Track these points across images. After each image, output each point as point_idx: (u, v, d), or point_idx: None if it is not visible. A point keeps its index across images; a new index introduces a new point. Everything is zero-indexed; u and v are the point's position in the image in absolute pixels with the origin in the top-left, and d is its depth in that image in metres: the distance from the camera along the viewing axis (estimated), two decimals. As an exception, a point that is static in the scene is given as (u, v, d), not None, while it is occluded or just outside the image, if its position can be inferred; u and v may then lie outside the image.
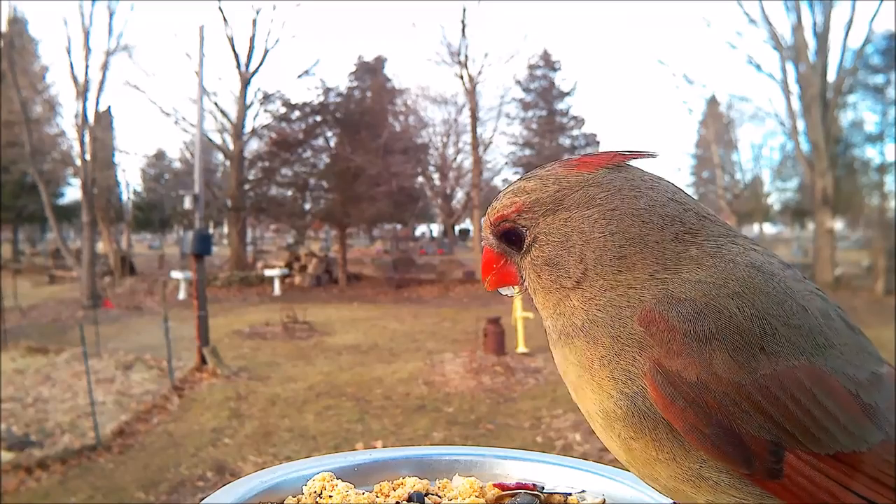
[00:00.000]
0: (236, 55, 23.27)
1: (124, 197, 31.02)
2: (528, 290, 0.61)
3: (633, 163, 0.61)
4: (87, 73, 19.86)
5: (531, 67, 35.75)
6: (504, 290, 0.65)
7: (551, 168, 0.61)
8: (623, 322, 0.53)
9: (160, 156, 35.23)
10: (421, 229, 40.23)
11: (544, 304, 0.59)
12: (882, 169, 23.58)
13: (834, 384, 0.51)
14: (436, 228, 41.21)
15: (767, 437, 0.49)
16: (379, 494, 0.71)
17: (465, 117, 25.30)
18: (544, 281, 0.58)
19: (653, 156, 0.61)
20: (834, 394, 0.51)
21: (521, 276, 0.62)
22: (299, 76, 24.19)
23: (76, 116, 20.35)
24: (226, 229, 28.63)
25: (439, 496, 0.72)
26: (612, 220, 0.56)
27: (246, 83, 23.31)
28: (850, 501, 0.49)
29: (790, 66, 20.66)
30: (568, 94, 37.04)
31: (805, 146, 20.83)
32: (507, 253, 0.62)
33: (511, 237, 0.61)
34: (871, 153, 25.69)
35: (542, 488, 0.73)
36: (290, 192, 24.38)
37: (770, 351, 0.50)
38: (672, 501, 0.57)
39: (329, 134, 23.71)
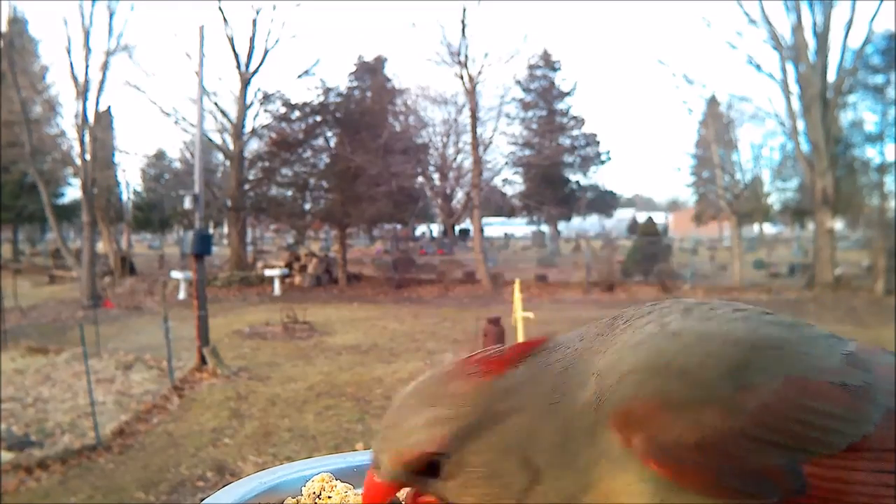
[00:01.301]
0: (236, 55, 23.30)
1: (124, 197, 31.01)
2: None
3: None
4: (87, 73, 19.87)
5: (531, 67, 35.80)
6: None
7: (454, 382, 0.54)
8: (605, 445, 0.50)
9: (160, 156, 35.23)
10: (421, 229, 40.22)
11: None
12: (882, 169, 23.59)
13: (818, 386, 0.51)
14: (436, 228, 41.22)
15: (780, 461, 0.49)
16: (379, 495, 0.71)
17: (465, 117, 25.30)
18: (491, 494, 0.52)
19: (546, 346, 0.56)
20: (822, 395, 0.51)
21: (447, 497, 0.54)
22: (299, 76, 24.21)
23: (76, 116, 20.36)
24: (226, 229, 28.63)
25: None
26: (547, 408, 0.52)
27: (246, 83, 23.32)
28: (875, 482, 0.49)
29: (790, 66, 20.68)
30: (568, 94, 37.07)
31: (805, 146, 20.84)
32: (419, 483, 0.55)
33: (426, 470, 0.53)
34: (871, 153, 25.69)
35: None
36: (290, 192, 24.38)
37: (745, 385, 0.50)
38: None
39: (329, 134, 23.71)
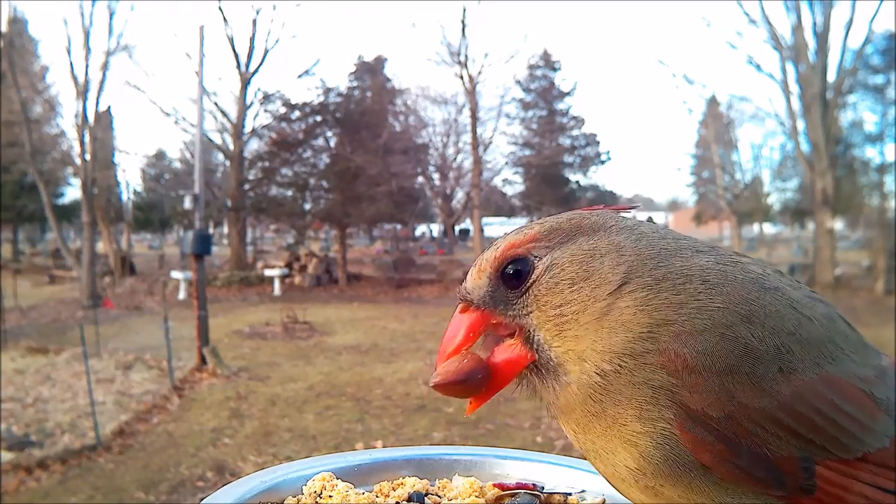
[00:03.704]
0: (236, 55, 23.30)
1: (124, 197, 31.00)
2: (543, 335, 0.54)
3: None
4: (87, 73, 19.89)
5: (531, 67, 35.75)
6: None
7: (545, 218, 0.58)
8: (647, 365, 0.51)
9: (160, 156, 35.23)
10: (421, 229, 40.21)
11: (577, 336, 0.53)
12: (882, 169, 23.60)
13: (849, 388, 0.51)
14: (436, 228, 41.21)
15: (797, 454, 0.49)
16: (379, 494, 0.71)
17: (465, 117, 25.30)
18: (571, 306, 0.52)
19: (636, 207, 0.61)
20: (852, 397, 0.51)
21: (527, 333, 0.55)
22: (299, 76, 24.22)
23: (76, 116, 20.36)
24: (226, 229, 28.63)
25: (439, 496, 0.72)
26: (628, 246, 0.54)
27: (246, 83, 23.32)
28: (883, 500, 0.50)
29: (790, 66, 20.68)
30: (568, 94, 37.03)
31: (805, 146, 20.84)
32: (500, 304, 0.56)
33: (516, 273, 0.55)
34: (871, 153, 25.74)
35: (542, 488, 0.73)
36: (290, 192, 24.38)
37: (787, 369, 0.50)
38: None
39: (329, 134, 23.71)
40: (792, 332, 0.51)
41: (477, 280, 0.56)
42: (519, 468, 0.79)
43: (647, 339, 0.51)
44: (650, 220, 0.61)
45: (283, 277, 21.02)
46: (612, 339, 0.51)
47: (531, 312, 0.54)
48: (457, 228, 37.20)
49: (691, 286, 0.52)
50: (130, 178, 39.72)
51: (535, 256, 0.55)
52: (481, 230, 24.82)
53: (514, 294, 0.55)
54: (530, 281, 0.54)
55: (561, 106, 37.30)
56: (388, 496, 0.71)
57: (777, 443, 0.48)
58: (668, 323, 0.51)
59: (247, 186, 24.04)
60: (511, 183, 35.65)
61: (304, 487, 0.70)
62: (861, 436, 0.50)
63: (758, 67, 21.52)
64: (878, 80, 23.09)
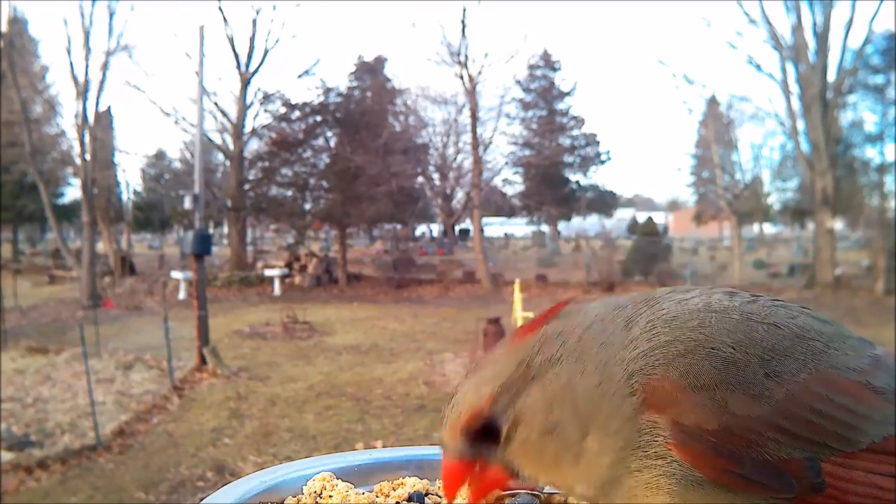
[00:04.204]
0: (236, 55, 23.30)
1: (124, 197, 30.99)
2: (531, 476, 0.56)
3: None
4: (87, 73, 19.87)
5: (531, 67, 35.78)
6: None
7: (491, 355, 0.58)
8: (638, 421, 0.51)
9: (160, 156, 35.23)
10: (421, 229, 40.23)
11: (563, 474, 0.55)
12: (882, 169, 23.59)
13: (844, 382, 0.52)
14: (436, 228, 41.22)
15: (801, 455, 0.49)
16: (379, 494, 0.71)
17: (465, 117, 25.30)
18: (546, 455, 0.54)
19: (569, 310, 0.60)
20: (847, 391, 0.51)
21: (510, 470, 0.56)
22: (299, 76, 24.21)
23: (76, 116, 20.35)
24: (226, 229, 28.64)
25: (439, 496, 0.72)
26: (581, 358, 0.54)
27: (246, 83, 23.32)
28: (892, 486, 0.50)
29: (790, 66, 20.67)
30: (568, 94, 37.06)
31: (805, 146, 20.83)
32: (482, 454, 0.57)
33: (486, 433, 0.56)
34: (871, 153, 25.70)
35: (543, 488, 0.73)
36: (290, 192, 24.38)
37: (775, 373, 0.50)
38: None
39: (329, 134, 23.71)
40: (772, 343, 0.52)
41: (451, 439, 0.58)
42: (519, 468, 0.78)
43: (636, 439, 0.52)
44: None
45: (283, 277, 21.03)
46: (591, 470, 0.53)
47: (511, 459, 0.56)
48: (457, 228, 37.21)
49: (648, 357, 0.53)
50: (130, 178, 39.69)
51: (499, 417, 0.55)
52: (481, 230, 24.83)
53: (489, 447, 0.57)
54: (503, 437, 0.56)
55: (561, 106, 37.31)
56: (388, 496, 0.71)
57: (778, 447, 0.49)
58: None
59: (247, 186, 24.04)
60: (511, 183, 35.69)
61: (304, 487, 0.70)
62: (863, 427, 0.50)
63: (758, 67, 21.52)
64: (878, 80, 23.11)
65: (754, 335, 0.52)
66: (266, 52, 23.38)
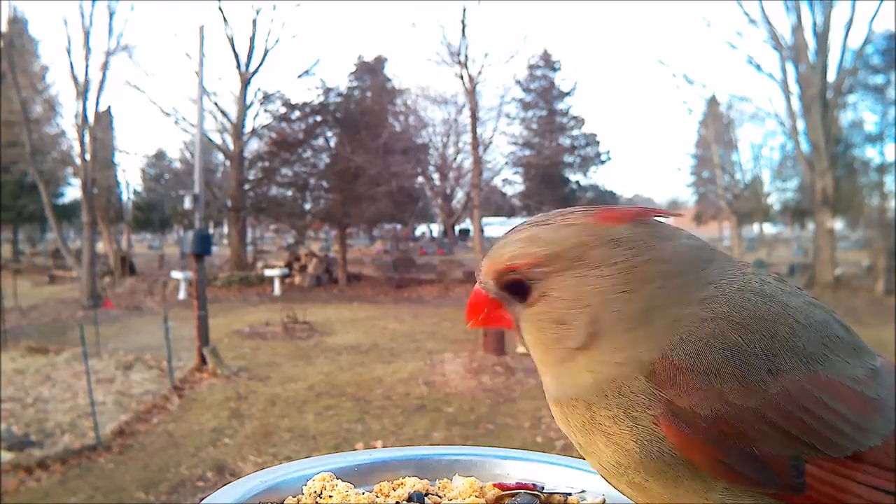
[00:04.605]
0: (236, 55, 23.29)
1: (124, 197, 31.00)
2: (524, 341, 0.59)
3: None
4: (87, 73, 19.88)
5: (531, 67, 35.73)
6: None
7: (569, 216, 0.57)
8: (631, 377, 0.52)
9: (160, 156, 35.21)
10: (421, 229, 40.20)
11: (543, 360, 0.57)
12: (882, 169, 23.59)
13: (839, 387, 0.52)
14: (436, 228, 41.20)
15: (787, 453, 0.49)
16: (379, 494, 0.71)
17: (465, 117, 25.31)
18: (547, 338, 0.56)
19: (679, 215, 0.61)
20: (841, 396, 0.52)
21: (518, 325, 0.59)
22: (299, 76, 24.21)
23: (76, 116, 20.36)
24: (226, 229, 28.62)
25: (439, 496, 0.72)
26: (630, 281, 0.54)
27: (246, 83, 23.31)
28: (875, 499, 0.50)
29: (790, 66, 20.67)
30: (568, 94, 37.02)
31: (805, 146, 20.83)
32: (505, 300, 0.59)
33: (516, 287, 0.58)
34: (871, 153, 25.71)
35: (542, 488, 0.73)
36: (290, 192, 24.38)
37: (776, 370, 0.51)
38: None
39: (329, 134, 23.71)
40: (785, 338, 0.52)
41: (486, 276, 0.60)
42: (519, 468, 0.79)
43: (630, 366, 0.53)
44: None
45: (283, 277, 21.02)
46: (576, 378, 0.55)
47: (524, 322, 0.58)
48: (457, 228, 37.19)
49: (692, 308, 0.54)
50: (130, 178, 39.73)
51: (532, 280, 0.56)
52: (481, 230, 24.83)
53: (516, 300, 0.58)
54: (528, 300, 0.57)
55: (561, 106, 37.27)
56: (388, 496, 0.71)
57: (766, 441, 0.49)
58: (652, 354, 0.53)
59: (247, 186, 24.04)
60: (511, 183, 35.66)
61: (304, 487, 0.70)
62: (852, 434, 0.51)
63: (758, 67, 21.53)
64: (878, 80, 23.10)
65: (780, 329, 0.52)
66: (266, 52, 23.41)
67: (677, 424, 0.50)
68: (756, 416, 0.49)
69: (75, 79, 19.89)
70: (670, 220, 0.62)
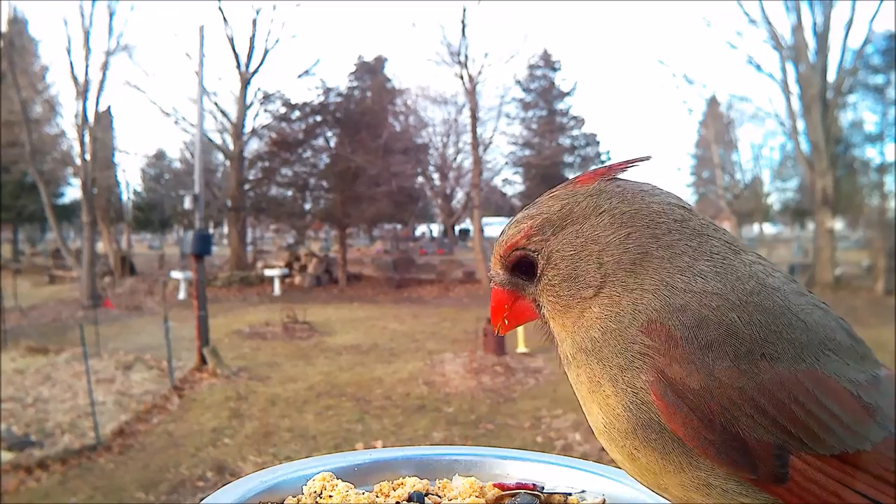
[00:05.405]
0: (236, 55, 23.29)
1: (124, 197, 31.03)
2: (548, 316, 0.60)
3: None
4: (87, 73, 19.89)
5: (531, 67, 35.72)
6: None
7: (553, 191, 0.61)
8: (630, 334, 0.54)
9: (160, 156, 35.21)
10: (421, 229, 40.21)
11: (564, 323, 0.59)
12: (882, 169, 23.58)
13: (835, 386, 0.52)
14: (436, 228, 41.21)
15: (772, 440, 0.49)
16: (379, 494, 0.71)
17: (465, 117, 25.29)
18: (564, 298, 0.58)
19: (647, 159, 0.61)
20: (835, 395, 0.52)
21: (538, 305, 0.61)
22: (299, 76, 24.20)
23: (76, 116, 20.37)
24: (226, 229, 28.62)
25: (439, 496, 0.72)
26: (623, 222, 0.56)
27: (246, 83, 23.31)
28: (855, 501, 0.50)
29: (790, 66, 20.67)
30: (568, 94, 37.01)
31: (805, 146, 20.83)
32: (520, 286, 0.62)
33: (524, 266, 0.60)
34: (871, 153, 25.73)
35: (542, 488, 0.73)
36: (290, 192, 24.38)
37: (771, 357, 0.51)
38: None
39: (329, 134, 23.71)
40: (779, 331, 0.52)
41: (496, 268, 0.63)
42: (519, 468, 0.79)
43: (630, 316, 0.54)
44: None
45: (283, 277, 21.02)
46: (590, 331, 0.56)
47: (541, 295, 0.60)
48: (457, 228, 37.19)
49: (681, 278, 0.54)
50: (130, 178, 39.77)
51: (534, 251, 0.59)
52: (481, 230, 24.82)
53: (527, 280, 0.61)
54: (538, 273, 0.60)
55: (561, 106, 37.27)
56: (388, 496, 0.71)
57: (752, 425, 0.49)
58: (650, 309, 0.54)
59: (247, 186, 24.04)
60: (511, 183, 35.66)
61: (304, 487, 0.70)
62: (841, 434, 0.51)
63: (758, 67, 21.53)
64: (878, 80, 23.09)
65: (776, 320, 0.53)
66: (266, 52, 23.40)
67: (665, 394, 0.50)
68: (744, 397, 0.49)
69: (75, 79, 19.91)
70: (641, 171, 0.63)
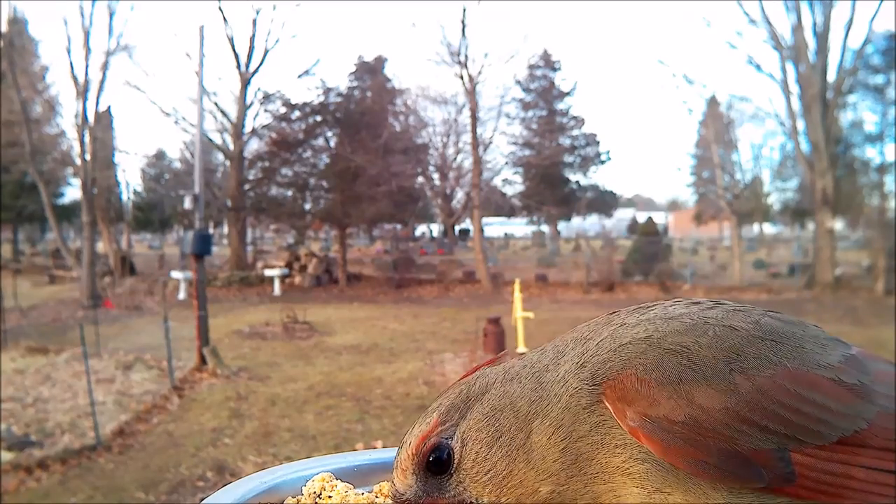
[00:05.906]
0: (236, 55, 23.31)
1: (124, 197, 31.03)
2: (479, 498, 0.55)
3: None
4: (87, 73, 19.88)
5: (531, 67, 35.78)
6: None
7: (437, 400, 0.60)
8: (592, 422, 0.53)
9: (160, 156, 35.26)
10: (421, 229, 40.25)
11: (515, 485, 0.55)
12: (882, 169, 23.60)
13: (813, 378, 0.52)
14: (436, 228, 41.24)
15: (770, 446, 0.50)
16: (379, 494, 0.71)
17: (465, 117, 25.31)
18: (499, 465, 0.55)
19: (503, 355, 0.64)
20: (816, 386, 0.52)
21: (466, 496, 0.56)
22: (299, 76, 24.23)
23: (76, 116, 20.36)
24: (226, 229, 28.64)
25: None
26: (523, 377, 0.57)
27: (246, 83, 23.32)
28: (865, 478, 0.50)
29: (790, 66, 20.68)
30: (568, 94, 37.06)
31: (805, 146, 20.84)
32: (438, 489, 0.57)
33: (438, 461, 0.56)
34: (871, 153, 25.71)
35: None
36: (290, 192, 24.39)
37: (741, 370, 0.51)
38: None
39: (329, 134, 23.72)
40: (737, 344, 0.53)
41: (404, 481, 0.58)
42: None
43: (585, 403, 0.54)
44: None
45: (283, 277, 21.03)
46: (546, 462, 0.54)
47: (467, 487, 0.56)
48: (457, 228, 37.21)
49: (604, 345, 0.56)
50: (130, 178, 39.78)
51: (447, 439, 0.57)
52: (481, 230, 24.84)
53: (444, 478, 0.57)
54: (455, 462, 0.56)
55: (561, 106, 37.31)
56: (388, 496, 0.71)
57: (747, 438, 0.49)
58: (603, 374, 0.54)
59: (247, 186, 24.04)
60: (511, 183, 35.71)
61: (303, 488, 0.70)
62: (833, 422, 0.51)
63: (758, 67, 21.55)
64: (878, 80, 23.11)
65: (710, 335, 0.53)
66: (266, 52, 23.41)
67: (654, 432, 0.50)
68: (731, 415, 0.49)
69: (75, 79, 19.91)
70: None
